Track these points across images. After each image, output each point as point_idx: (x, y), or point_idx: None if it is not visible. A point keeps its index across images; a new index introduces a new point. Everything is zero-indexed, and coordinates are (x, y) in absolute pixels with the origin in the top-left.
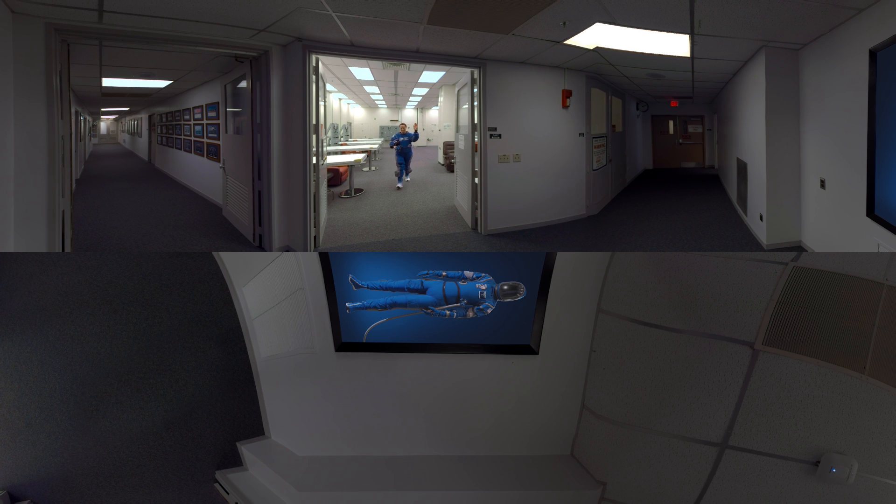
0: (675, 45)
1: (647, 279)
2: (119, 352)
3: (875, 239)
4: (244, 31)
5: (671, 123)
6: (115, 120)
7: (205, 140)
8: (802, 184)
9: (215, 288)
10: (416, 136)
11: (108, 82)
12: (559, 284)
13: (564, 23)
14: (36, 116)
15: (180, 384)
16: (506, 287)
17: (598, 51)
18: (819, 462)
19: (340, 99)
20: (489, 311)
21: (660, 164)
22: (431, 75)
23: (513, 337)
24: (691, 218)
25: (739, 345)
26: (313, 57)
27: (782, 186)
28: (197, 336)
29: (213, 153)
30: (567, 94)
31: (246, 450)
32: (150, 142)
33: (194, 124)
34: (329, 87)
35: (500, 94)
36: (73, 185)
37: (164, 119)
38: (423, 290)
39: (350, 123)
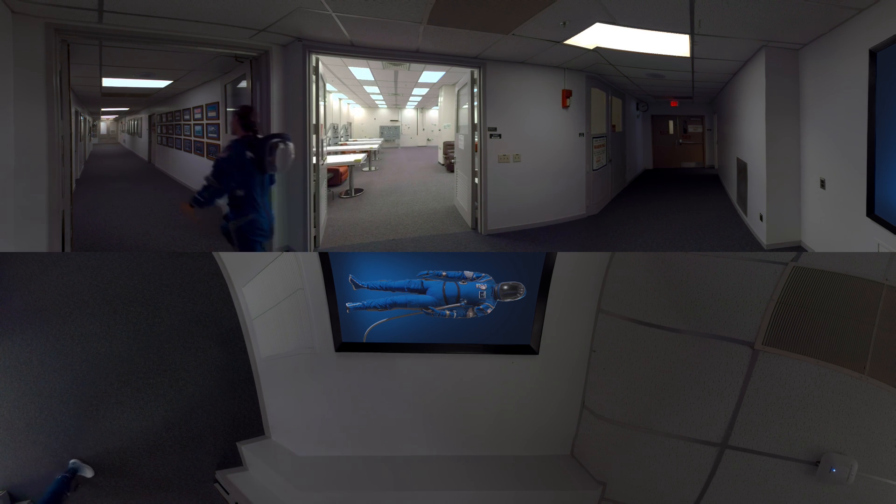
0: (675, 45)
1: (647, 279)
2: (119, 352)
3: (875, 239)
4: (244, 32)
5: (671, 123)
6: (115, 120)
7: (205, 140)
8: (802, 184)
9: (215, 288)
10: (270, 146)
11: (108, 82)
12: (559, 284)
13: (564, 23)
14: (36, 116)
15: (180, 384)
16: (506, 287)
17: (598, 51)
18: (819, 462)
19: (340, 99)
20: (489, 311)
21: (660, 164)
22: (431, 75)
23: (513, 337)
24: (691, 218)
25: (739, 345)
26: (313, 57)
27: (782, 186)
28: (197, 336)
29: (214, 153)
30: (567, 94)
31: (246, 450)
32: (150, 142)
33: (194, 124)
34: (329, 87)
35: (500, 94)
36: (73, 185)
37: (164, 119)
38: (423, 290)
39: (350, 123)
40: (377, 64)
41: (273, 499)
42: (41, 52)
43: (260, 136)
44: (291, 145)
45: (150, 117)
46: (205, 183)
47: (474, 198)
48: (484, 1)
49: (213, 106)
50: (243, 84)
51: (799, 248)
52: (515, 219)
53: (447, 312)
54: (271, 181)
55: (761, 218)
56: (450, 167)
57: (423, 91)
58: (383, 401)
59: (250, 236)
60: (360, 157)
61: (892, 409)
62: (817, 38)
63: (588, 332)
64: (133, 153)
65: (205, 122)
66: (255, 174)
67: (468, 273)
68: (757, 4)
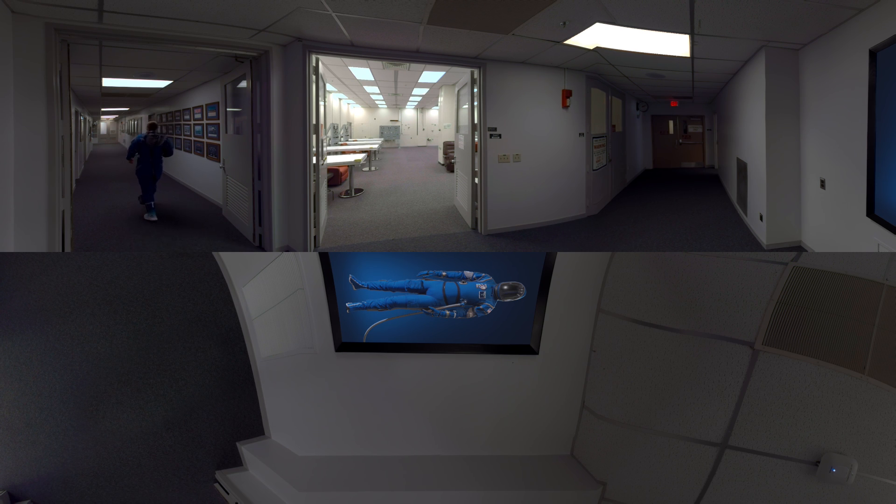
0: (675, 45)
1: (647, 279)
2: (119, 352)
3: (875, 239)
4: (244, 32)
5: (671, 123)
6: (115, 120)
7: (205, 140)
8: (802, 184)
9: (215, 288)
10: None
11: (108, 82)
12: (559, 284)
13: (564, 23)
14: (36, 116)
15: (180, 384)
16: (506, 287)
17: (598, 51)
18: (819, 462)
19: (340, 99)
20: (489, 311)
21: (660, 164)
22: (431, 75)
23: (513, 337)
24: (691, 218)
25: (739, 345)
26: (313, 57)
27: (782, 186)
28: (197, 336)
29: (213, 153)
30: (567, 94)
31: (246, 450)
32: None
33: (194, 124)
34: (329, 87)
35: (500, 94)
36: (73, 185)
37: (164, 119)
38: (423, 290)
39: (350, 123)
40: (377, 64)
41: (273, 499)
42: (41, 52)
43: (151, 133)
44: (160, 136)
45: (149, 117)
46: (129, 148)
47: (474, 198)
48: (484, 1)
49: (213, 106)
50: (243, 84)
51: (799, 248)
52: (515, 219)
53: (447, 312)
54: (163, 153)
55: (761, 218)
56: (450, 167)
57: (423, 91)
58: (383, 401)
59: (138, 174)
60: (360, 157)
61: (892, 409)
62: (817, 38)
63: (588, 332)
64: None
65: (205, 122)
66: (145, 148)
67: (468, 273)
68: (757, 4)
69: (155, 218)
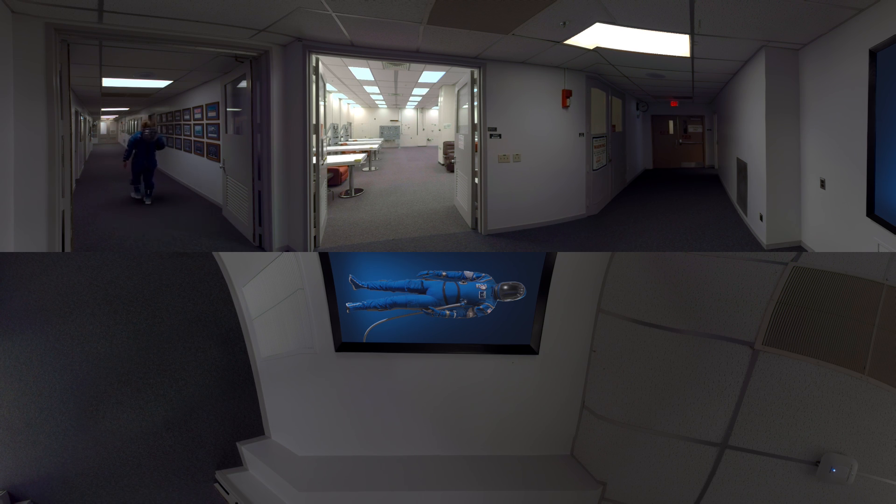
0: (675, 45)
1: (647, 279)
2: (119, 352)
3: (875, 239)
4: (244, 32)
5: (671, 123)
6: (115, 120)
7: (205, 140)
8: (802, 184)
9: (215, 288)
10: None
11: (108, 82)
12: (559, 284)
13: (564, 23)
14: (36, 116)
15: (180, 384)
16: (506, 287)
17: (598, 51)
18: (819, 462)
19: (340, 99)
20: (489, 311)
21: (660, 164)
22: (431, 75)
23: (513, 337)
24: (691, 218)
25: (739, 345)
26: (313, 57)
27: (782, 186)
28: (197, 336)
29: (213, 153)
30: (567, 94)
31: (246, 450)
32: None
33: (194, 124)
34: (329, 87)
35: (500, 94)
36: (73, 185)
37: (164, 119)
38: (423, 290)
39: (350, 123)
40: (377, 64)
41: (273, 499)
42: (41, 52)
43: (149, 130)
44: (155, 132)
45: (150, 117)
46: (125, 149)
47: (474, 198)
48: (484, 1)
49: (213, 106)
50: (243, 84)
51: (799, 248)
52: (515, 219)
53: (447, 312)
54: (156, 147)
55: (761, 218)
56: (450, 167)
57: (423, 91)
58: (383, 401)
59: (133, 167)
60: (360, 157)
61: (892, 409)
62: (817, 38)
63: (588, 332)
64: None
65: (205, 122)
66: (141, 144)
67: (468, 273)
68: (757, 4)
69: (139, 196)
